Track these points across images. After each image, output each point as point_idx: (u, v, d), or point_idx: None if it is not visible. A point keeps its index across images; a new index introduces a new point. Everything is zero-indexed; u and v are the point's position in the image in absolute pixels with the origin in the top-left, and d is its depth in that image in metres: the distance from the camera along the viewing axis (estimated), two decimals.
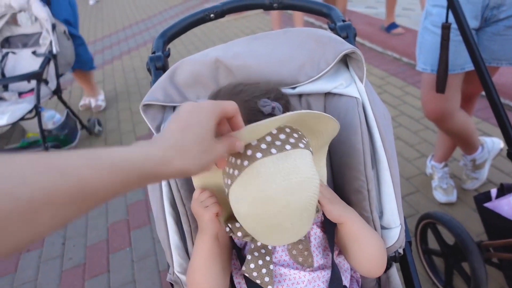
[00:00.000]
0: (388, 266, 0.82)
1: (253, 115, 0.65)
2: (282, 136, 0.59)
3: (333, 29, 0.97)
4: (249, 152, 0.57)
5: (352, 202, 0.75)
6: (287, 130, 0.61)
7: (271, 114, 0.65)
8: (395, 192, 0.75)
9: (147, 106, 0.81)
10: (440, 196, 1.90)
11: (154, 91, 0.82)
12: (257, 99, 0.68)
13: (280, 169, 0.56)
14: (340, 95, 0.78)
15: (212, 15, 1.01)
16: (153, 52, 0.98)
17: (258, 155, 0.57)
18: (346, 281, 0.76)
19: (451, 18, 1.24)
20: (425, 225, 1.52)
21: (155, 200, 0.80)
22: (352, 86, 0.78)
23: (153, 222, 2.08)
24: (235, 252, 0.78)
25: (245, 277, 0.74)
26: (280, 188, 0.55)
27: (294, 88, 0.79)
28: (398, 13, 4.65)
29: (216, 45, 0.90)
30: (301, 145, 0.60)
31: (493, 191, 1.44)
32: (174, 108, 0.86)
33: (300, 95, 0.81)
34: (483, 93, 1.23)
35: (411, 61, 3.31)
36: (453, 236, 1.35)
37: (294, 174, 0.56)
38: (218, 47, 0.85)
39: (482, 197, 1.42)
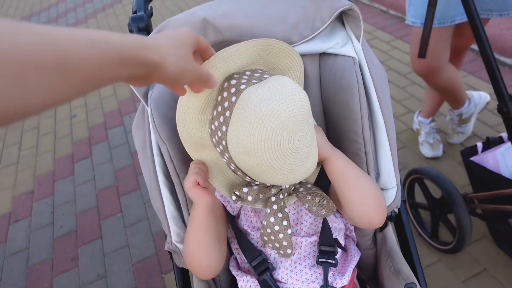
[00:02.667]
0: (384, 225, 0.83)
1: None
2: (256, 74, 0.63)
3: None
4: (232, 90, 0.61)
5: None
6: (259, 70, 0.64)
7: None
8: (392, 153, 0.74)
9: None
10: (426, 151, 1.93)
11: None
12: None
13: (267, 89, 0.58)
14: (336, 55, 0.74)
15: None
16: (135, 12, 0.91)
17: (242, 87, 0.60)
18: (339, 238, 0.78)
19: None
20: (412, 180, 1.55)
21: (147, 170, 0.78)
22: (348, 45, 0.74)
23: (142, 187, 2.07)
24: (229, 221, 0.78)
25: (242, 246, 0.74)
26: (274, 102, 0.56)
27: None
28: None
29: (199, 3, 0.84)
30: (277, 74, 0.64)
31: (479, 145, 1.46)
32: None
33: None
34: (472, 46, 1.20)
35: (399, 14, 3.23)
36: (440, 190, 1.39)
37: (281, 89, 0.58)
38: (205, 5, 0.79)
39: (468, 151, 1.45)
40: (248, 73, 0.64)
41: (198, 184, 0.67)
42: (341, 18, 0.77)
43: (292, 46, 0.75)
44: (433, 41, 1.45)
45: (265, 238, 0.70)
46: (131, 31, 0.90)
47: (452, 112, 1.93)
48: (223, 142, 0.62)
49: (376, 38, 2.99)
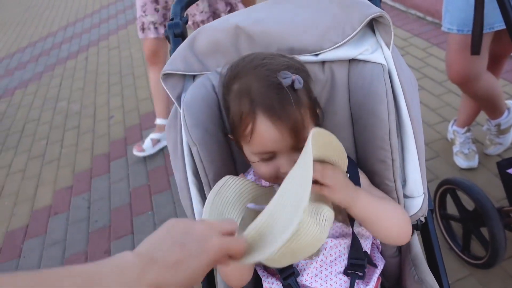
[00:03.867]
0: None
1: (273, 88, 0.63)
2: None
3: None
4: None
5: (375, 172, 0.74)
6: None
7: (291, 86, 0.64)
8: (420, 161, 0.74)
9: (167, 75, 0.81)
10: (461, 161, 1.87)
11: (174, 60, 0.81)
12: (277, 72, 0.66)
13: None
14: (365, 61, 0.75)
15: None
16: (171, 19, 0.96)
17: None
18: (367, 248, 0.77)
19: None
20: (444, 190, 1.51)
21: (178, 169, 0.81)
22: (378, 52, 0.75)
23: (173, 186, 2.14)
24: None
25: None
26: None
27: (317, 55, 0.77)
28: None
29: None
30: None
31: None
32: (194, 77, 0.85)
33: (323, 62, 0.78)
34: None
35: (436, 20, 3.15)
36: (473, 202, 1.34)
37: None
38: (237, 13, 0.83)
39: (505, 163, 1.39)
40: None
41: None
42: (371, 25, 0.77)
43: (322, 53, 0.76)
44: (468, 49, 1.41)
45: None
46: (167, 37, 0.95)
47: (490, 122, 1.86)
48: None
49: (411, 45, 2.93)
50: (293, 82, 0.63)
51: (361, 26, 0.73)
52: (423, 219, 0.78)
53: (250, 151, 0.69)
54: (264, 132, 0.63)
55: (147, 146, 2.39)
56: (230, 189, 0.69)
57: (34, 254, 1.95)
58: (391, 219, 0.70)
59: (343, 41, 0.74)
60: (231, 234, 0.50)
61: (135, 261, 0.43)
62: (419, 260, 0.77)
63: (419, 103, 0.79)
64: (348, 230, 0.75)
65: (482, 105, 1.75)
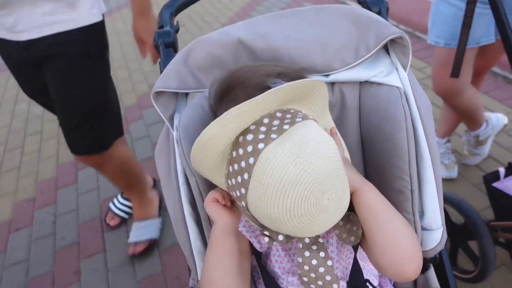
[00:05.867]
0: (427, 267, 0.78)
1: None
2: (275, 122, 0.55)
3: (362, 3, 0.87)
4: (249, 148, 0.54)
5: (392, 202, 0.69)
6: (278, 114, 0.57)
7: None
8: (438, 191, 0.69)
9: (158, 93, 0.72)
10: (441, 172, 1.89)
11: (167, 76, 0.72)
12: (271, 78, 0.62)
13: (289, 149, 0.51)
14: (379, 84, 0.70)
15: None
16: (160, 26, 0.87)
17: (260, 145, 0.53)
18: (372, 279, 0.72)
19: None
20: None
21: (171, 199, 0.72)
22: (393, 75, 0.70)
23: None
24: (255, 257, 0.72)
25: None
26: (298, 166, 0.50)
27: (327, 75, 0.71)
28: None
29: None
30: (298, 119, 0.55)
31: (501, 170, 1.42)
32: (187, 95, 0.76)
33: (332, 83, 0.72)
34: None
35: (409, 29, 3.21)
36: (463, 217, 1.34)
37: (305, 146, 0.51)
38: (239, 25, 0.75)
39: (491, 177, 1.40)
40: (266, 120, 0.56)
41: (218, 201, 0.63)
42: (386, 45, 0.72)
43: (333, 73, 0.71)
44: None
45: (305, 279, 0.63)
46: (156, 46, 0.85)
47: (469, 133, 1.89)
48: (243, 203, 0.57)
49: None
50: None
51: (378, 47, 0.68)
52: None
53: None
54: None
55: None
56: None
57: None
58: (401, 230, 0.62)
59: (356, 62, 0.69)
60: None
61: None
62: None
63: (435, 129, 0.75)
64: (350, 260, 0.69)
65: (463, 116, 1.77)
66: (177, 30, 0.87)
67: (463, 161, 1.95)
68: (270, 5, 4.15)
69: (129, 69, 3.33)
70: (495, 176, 1.41)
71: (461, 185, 1.86)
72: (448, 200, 1.39)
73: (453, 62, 1.28)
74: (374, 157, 0.72)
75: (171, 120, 0.73)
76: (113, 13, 4.50)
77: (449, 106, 1.71)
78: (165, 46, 0.83)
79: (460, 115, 1.77)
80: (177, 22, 0.90)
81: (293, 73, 0.64)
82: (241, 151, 0.55)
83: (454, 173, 1.88)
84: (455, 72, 1.28)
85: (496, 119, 1.89)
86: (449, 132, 1.90)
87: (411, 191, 0.68)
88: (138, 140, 2.47)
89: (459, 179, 1.89)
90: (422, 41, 2.94)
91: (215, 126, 0.54)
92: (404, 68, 0.70)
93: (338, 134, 0.69)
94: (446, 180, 1.88)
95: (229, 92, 0.62)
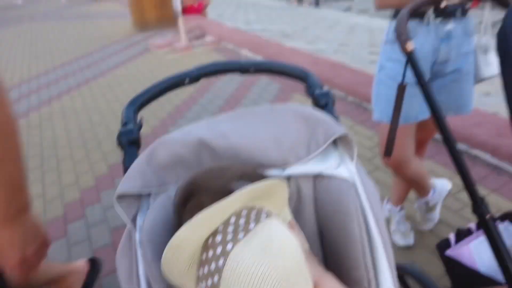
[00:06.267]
0: None
1: None
2: (241, 221, 0.58)
3: (311, 95, 0.96)
4: (218, 250, 0.56)
5: None
6: (244, 212, 0.60)
7: None
8: (393, 278, 0.73)
9: (121, 196, 0.72)
10: (398, 240, 1.96)
11: (131, 178, 0.73)
12: (233, 181, 0.64)
13: (255, 248, 0.54)
14: (331, 176, 0.76)
15: (187, 80, 0.98)
16: (124, 124, 0.90)
17: (228, 247, 0.55)
18: None
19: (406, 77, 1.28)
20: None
21: None
22: (342, 167, 0.76)
23: None
24: None
25: None
26: (266, 265, 0.52)
27: (283, 169, 0.76)
28: (334, 49, 4.91)
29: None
30: (263, 216, 0.59)
31: (452, 237, 1.50)
32: (149, 194, 0.77)
33: (289, 178, 0.78)
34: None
35: (357, 100, 3.49)
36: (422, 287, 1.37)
37: (271, 245, 0.54)
38: (200, 125, 0.80)
39: (443, 245, 1.47)
40: (232, 220, 0.59)
41: None
42: (334, 140, 0.80)
43: (289, 167, 0.76)
44: (399, 137, 1.54)
45: None
46: (120, 145, 0.87)
47: (419, 200, 2.01)
48: None
49: None
50: None
51: (326, 144, 0.75)
52: None
53: None
54: None
55: None
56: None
57: None
58: None
59: (309, 157, 0.75)
60: None
61: None
62: None
63: (383, 214, 0.81)
64: None
65: (412, 185, 1.90)
66: (140, 127, 0.90)
67: (418, 227, 2.04)
68: (204, 106, 4.36)
69: (86, 148, 3.28)
70: (446, 244, 1.47)
71: (418, 252, 1.92)
72: (409, 272, 1.44)
73: (385, 143, 1.35)
74: (331, 248, 0.76)
75: (134, 221, 0.73)
76: (72, 92, 4.54)
77: (399, 176, 1.84)
78: (128, 143, 0.86)
79: (409, 184, 1.90)
80: (141, 119, 0.93)
81: (253, 173, 0.68)
82: (210, 253, 0.57)
83: (411, 240, 1.96)
84: (388, 151, 1.36)
85: (441, 185, 2.03)
86: (402, 199, 2.01)
87: (368, 281, 0.71)
88: (94, 225, 2.34)
89: (416, 246, 1.96)
90: (369, 111, 3.19)
91: (186, 229, 0.56)
92: (351, 158, 0.77)
93: (298, 226, 0.72)
94: (404, 249, 1.95)
95: (193, 197, 0.65)
